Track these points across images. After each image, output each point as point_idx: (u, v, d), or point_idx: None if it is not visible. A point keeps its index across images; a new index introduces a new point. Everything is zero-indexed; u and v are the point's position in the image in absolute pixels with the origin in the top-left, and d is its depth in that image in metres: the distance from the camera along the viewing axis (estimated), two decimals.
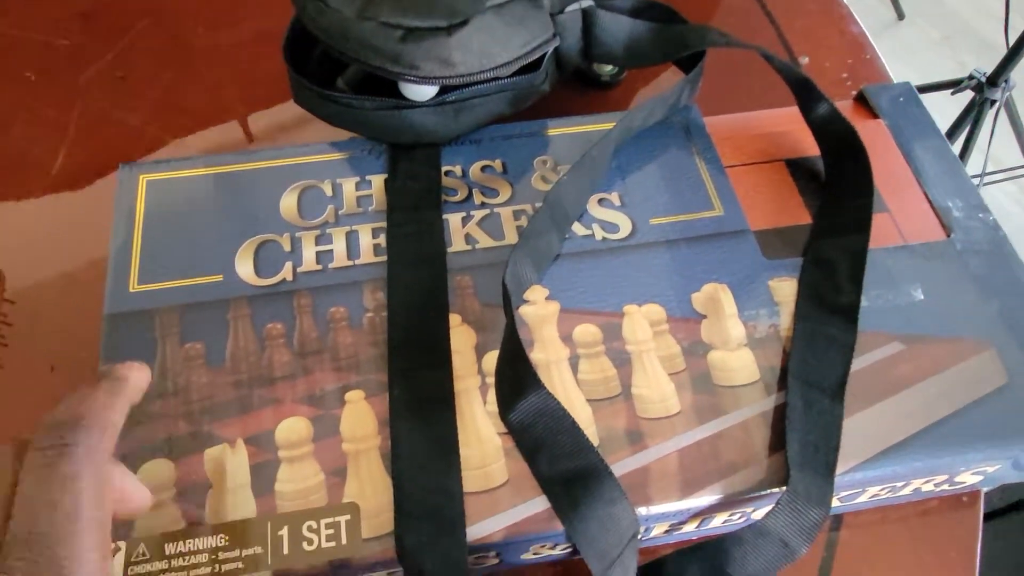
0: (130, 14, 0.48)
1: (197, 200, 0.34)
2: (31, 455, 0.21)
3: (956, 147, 1.14)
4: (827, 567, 0.31)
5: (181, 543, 0.25)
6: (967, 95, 1.09)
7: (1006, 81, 1.04)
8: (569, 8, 0.36)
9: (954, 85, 1.10)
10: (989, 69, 1.05)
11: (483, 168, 0.35)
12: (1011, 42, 1.00)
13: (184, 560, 0.25)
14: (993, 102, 1.05)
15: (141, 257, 0.32)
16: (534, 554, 0.29)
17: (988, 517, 0.33)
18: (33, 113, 0.43)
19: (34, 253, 0.38)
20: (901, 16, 1.69)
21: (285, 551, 0.25)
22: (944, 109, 1.22)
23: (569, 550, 0.29)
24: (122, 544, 0.25)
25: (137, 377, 0.23)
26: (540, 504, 0.27)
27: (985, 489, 0.33)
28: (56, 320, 0.36)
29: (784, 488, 0.27)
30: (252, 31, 0.48)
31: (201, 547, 0.25)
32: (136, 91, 0.44)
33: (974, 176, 1.24)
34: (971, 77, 1.06)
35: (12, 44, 0.46)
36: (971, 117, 1.09)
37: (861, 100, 0.39)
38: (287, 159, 0.35)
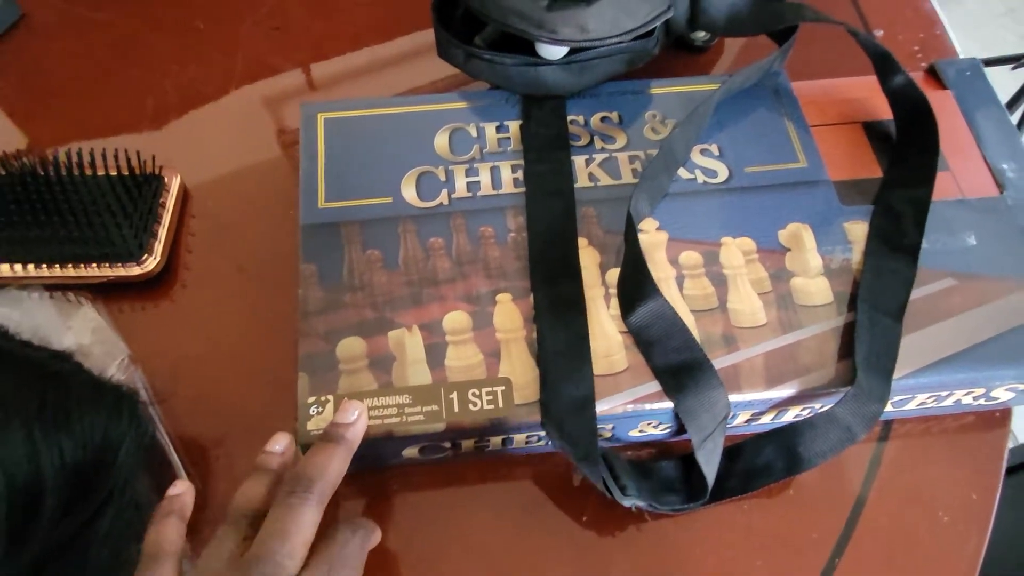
0: None
1: (366, 136, 0.40)
2: (281, 491, 0.29)
3: (1015, 117, 1.16)
4: (875, 465, 0.38)
5: (376, 399, 0.33)
6: None
7: None
8: None
9: (1014, 60, 1.13)
10: None
11: (602, 119, 0.42)
12: None
13: (379, 411, 0.33)
14: None
15: (326, 180, 0.39)
16: (640, 431, 0.36)
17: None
18: (204, 56, 0.50)
19: (215, 175, 0.46)
20: None
21: (455, 410, 0.33)
22: (1003, 83, 1.23)
23: (668, 430, 0.36)
24: (330, 397, 0.33)
25: (355, 441, 0.31)
26: (653, 387, 0.34)
27: (1015, 407, 0.39)
28: (238, 231, 0.44)
29: (850, 387, 0.34)
30: None
31: (391, 403, 0.33)
32: (290, 41, 0.51)
33: None
34: None
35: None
36: None
37: (931, 72, 0.44)
38: (437, 104, 0.42)
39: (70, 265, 0.40)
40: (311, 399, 0.33)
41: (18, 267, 0.39)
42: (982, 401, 0.38)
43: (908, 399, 0.36)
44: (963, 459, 0.38)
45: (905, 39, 0.52)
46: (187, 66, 0.50)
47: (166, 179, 0.43)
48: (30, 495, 0.30)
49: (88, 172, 0.41)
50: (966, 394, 0.36)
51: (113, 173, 0.42)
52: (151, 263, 0.41)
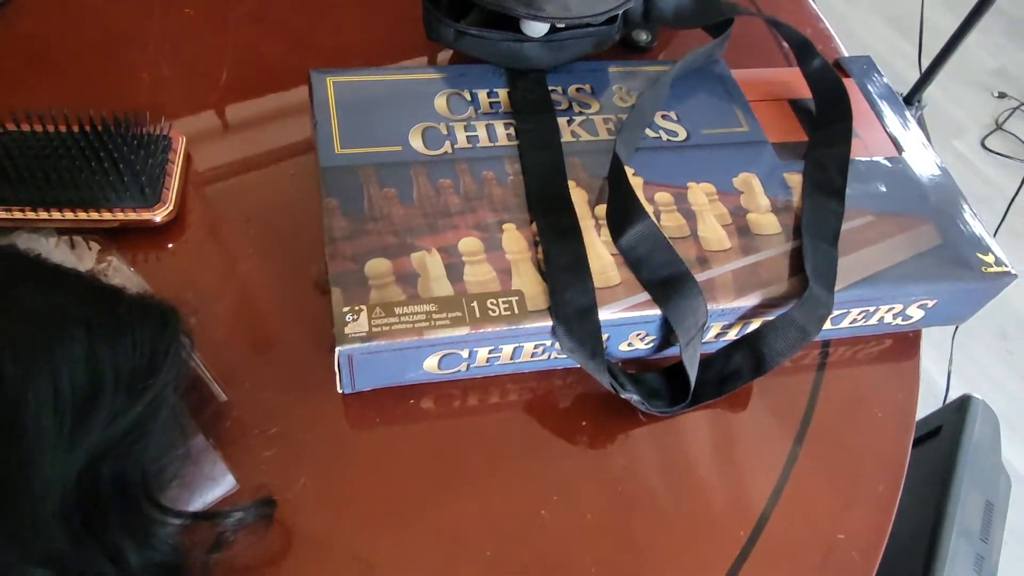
0: None
1: (373, 97, 0.45)
2: None
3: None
4: (821, 372, 0.45)
5: (406, 307, 0.37)
6: None
7: (919, 100, 1.24)
8: None
9: None
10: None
11: (577, 89, 0.48)
12: (923, 69, 1.20)
13: (409, 317, 0.36)
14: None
15: (340, 130, 0.43)
16: (628, 344, 0.41)
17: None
18: (196, 40, 0.53)
19: (215, 140, 0.48)
20: None
21: (477, 316, 0.37)
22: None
23: (652, 344, 0.42)
24: (363, 307, 0.36)
25: None
26: (643, 297, 0.39)
27: (924, 328, 0.47)
28: (240, 188, 0.47)
29: (803, 295, 0.40)
30: None
31: (419, 311, 0.37)
32: (275, 30, 0.55)
33: None
34: None
35: None
36: None
37: (836, 65, 0.54)
38: (432, 74, 0.47)
39: (91, 210, 0.41)
40: (345, 308, 0.36)
41: (41, 212, 0.41)
42: (899, 321, 0.45)
43: (843, 314, 0.43)
44: (888, 368, 0.45)
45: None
46: (180, 45, 0.53)
47: (173, 139, 0.46)
48: (89, 394, 0.31)
49: (100, 128, 0.43)
50: (888, 311, 0.44)
51: (125, 132, 0.44)
52: (165, 210, 0.43)
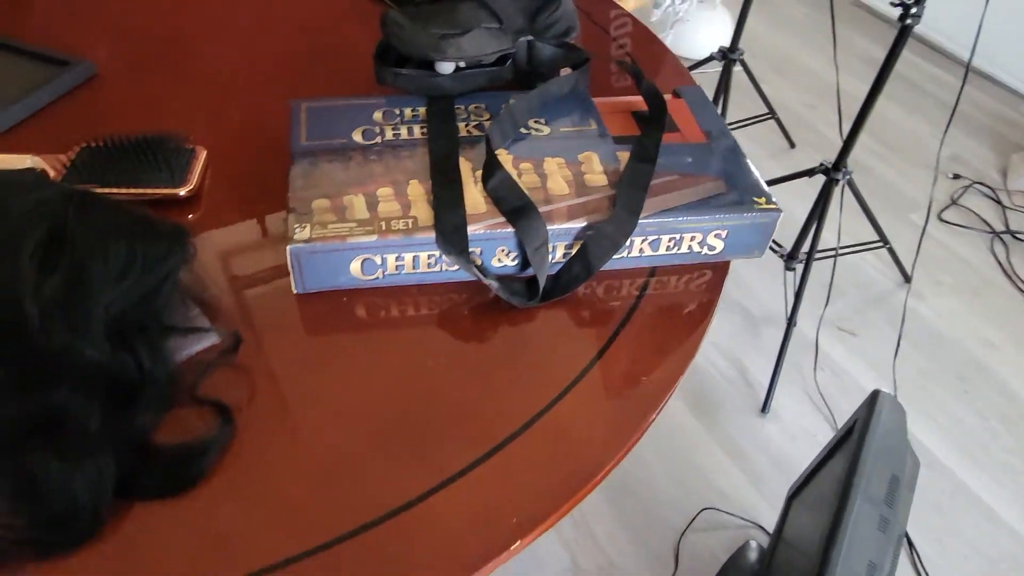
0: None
1: (330, 112, 0.66)
2: None
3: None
4: (645, 288, 0.61)
5: (336, 224, 0.56)
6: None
7: (845, 166, 1.43)
8: (520, 39, 0.71)
9: (810, 173, 1.50)
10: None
11: (475, 107, 0.69)
12: (844, 136, 1.40)
13: (337, 230, 0.55)
14: (837, 181, 1.43)
15: (306, 130, 0.64)
16: (499, 260, 0.59)
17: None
18: (217, 95, 0.76)
19: (226, 150, 0.70)
20: (792, 145, 2.14)
21: (383, 228, 0.56)
22: (806, 193, 1.62)
23: (517, 263, 0.59)
24: (308, 224, 0.55)
25: None
26: (501, 220, 0.57)
27: (730, 259, 0.64)
28: (241, 180, 0.67)
29: (612, 216, 0.58)
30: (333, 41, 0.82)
31: (345, 226, 0.56)
32: (271, 83, 0.78)
33: (830, 249, 1.61)
34: (820, 164, 1.46)
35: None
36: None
37: (675, 94, 0.74)
38: (372, 99, 0.68)
39: (145, 187, 0.62)
40: (295, 223, 0.55)
41: (121, 188, 0.62)
42: (706, 250, 0.62)
43: (657, 240, 0.61)
44: (695, 286, 0.62)
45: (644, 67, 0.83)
46: (206, 99, 0.76)
47: (196, 149, 0.67)
48: (127, 264, 0.50)
49: (152, 142, 0.65)
50: (691, 239, 0.61)
51: (167, 144, 0.65)
52: (186, 188, 0.64)
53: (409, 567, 0.44)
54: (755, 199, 0.62)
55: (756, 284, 1.79)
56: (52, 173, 0.62)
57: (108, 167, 0.63)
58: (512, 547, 0.46)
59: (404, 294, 0.59)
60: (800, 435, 1.51)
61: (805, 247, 1.54)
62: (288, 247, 0.55)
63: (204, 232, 0.63)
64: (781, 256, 1.61)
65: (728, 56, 1.84)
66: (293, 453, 0.49)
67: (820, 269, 1.71)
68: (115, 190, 0.62)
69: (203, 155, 0.67)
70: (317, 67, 0.81)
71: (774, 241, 1.65)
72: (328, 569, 0.44)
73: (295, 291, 0.58)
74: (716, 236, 0.62)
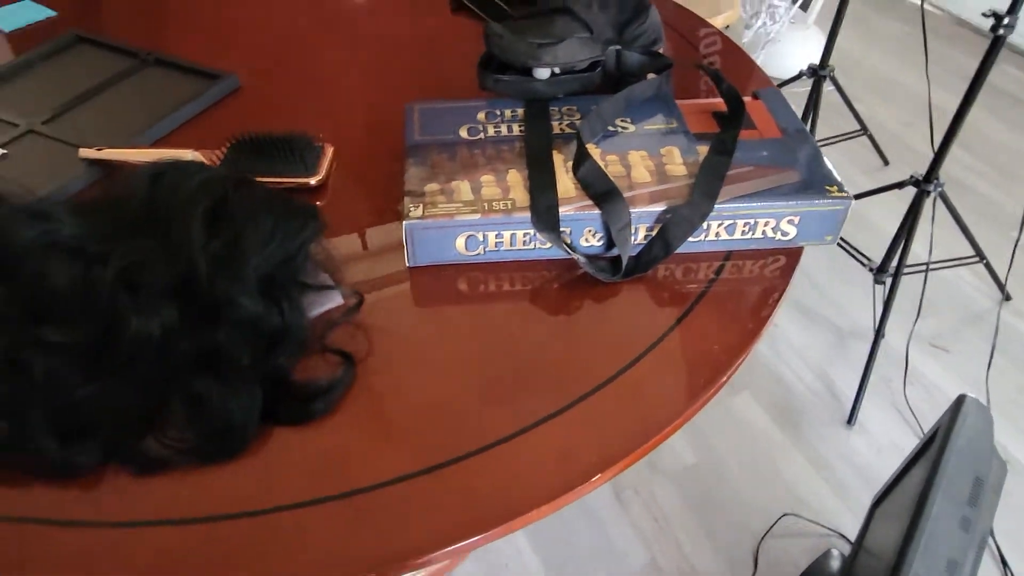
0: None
1: (440, 112, 0.75)
2: None
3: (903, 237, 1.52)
4: (721, 270, 0.67)
5: (445, 204, 0.64)
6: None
7: (937, 178, 1.42)
8: (609, 48, 0.79)
9: (900, 185, 1.50)
10: None
11: (567, 109, 0.76)
12: (936, 148, 1.40)
13: (446, 209, 0.64)
14: (928, 193, 1.43)
15: (418, 127, 0.73)
16: (586, 240, 0.66)
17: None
18: (345, 104, 0.87)
19: (348, 145, 0.80)
20: (886, 162, 2.12)
21: (486, 209, 0.64)
22: (898, 208, 1.62)
23: (602, 243, 0.66)
24: (421, 203, 0.64)
25: None
26: (588, 203, 0.64)
27: (802, 245, 0.68)
28: (361, 170, 0.77)
29: (690, 200, 0.64)
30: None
31: (452, 206, 0.64)
32: (390, 91, 0.88)
33: (922, 263, 1.60)
34: (911, 177, 1.46)
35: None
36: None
37: (755, 96, 0.79)
38: (476, 102, 0.77)
39: (285, 177, 0.73)
40: (410, 204, 0.64)
41: (266, 177, 0.72)
42: (779, 236, 0.67)
43: (732, 225, 0.66)
44: (769, 270, 0.67)
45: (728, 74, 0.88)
46: (333, 109, 0.86)
47: (324, 146, 0.78)
48: (270, 235, 0.60)
49: (289, 141, 0.75)
50: (765, 224, 0.66)
51: (301, 144, 0.76)
52: (317, 178, 0.74)
53: (505, 489, 0.51)
54: (827, 187, 0.66)
55: (845, 299, 1.78)
56: (208, 163, 0.73)
57: (253, 159, 0.74)
58: (593, 479, 0.52)
59: (501, 269, 0.67)
60: (887, 447, 1.50)
61: (895, 261, 1.53)
62: (404, 223, 0.63)
63: (331, 213, 0.72)
64: (870, 270, 1.60)
65: (817, 73, 1.85)
66: (404, 396, 0.57)
67: (912, 284, 1.69)
68: (260, 178, 0.73)
69: (330, 151, 0.78)
70: (426, 75, 0.91)
71: (863, 254, 1.64)
72: (437, 482, 0.51)
73: (408, 264, 0.66)
74: (789, 222, 0.67)
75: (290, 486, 0.51)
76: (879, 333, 1.50)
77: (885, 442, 1.50)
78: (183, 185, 0.60)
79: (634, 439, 0.54)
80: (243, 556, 0.48)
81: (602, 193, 0.65)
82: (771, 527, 1.37)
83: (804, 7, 2.37)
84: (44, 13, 1.03)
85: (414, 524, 0.49)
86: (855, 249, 1.65)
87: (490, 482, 0.52)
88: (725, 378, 0.59)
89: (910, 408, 1.55)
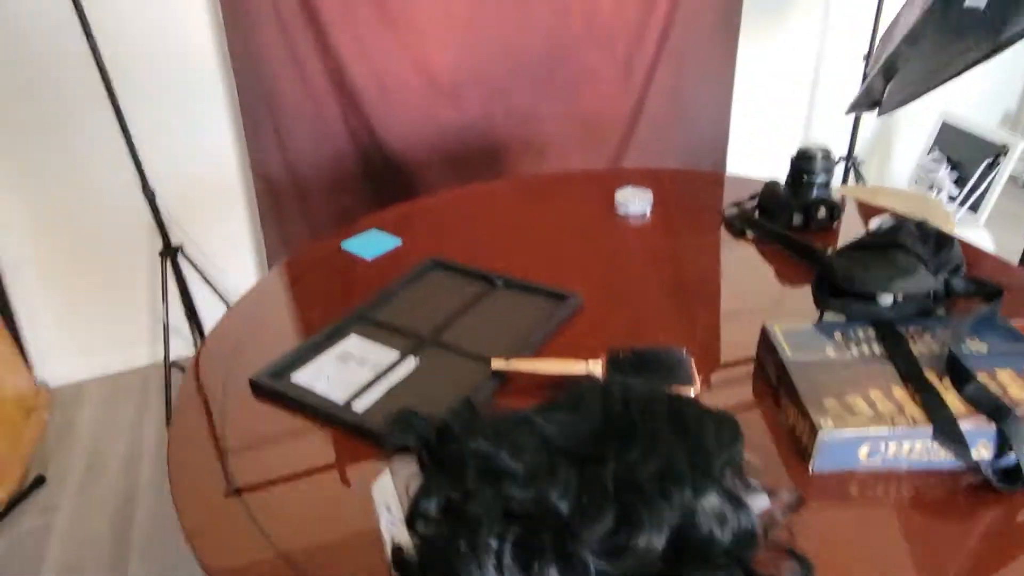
0: None
1: (801, 332, 0.87)
2: None
3: None
4: None
5: (851, 416, 0.73)
6: None
7: None
8: (940, 275, 0.90)
9: None
10: None
11: (911, 328, 0.86)
12: None
13: (855, 420, 0.73)
14: None
15: (790, 348, 0.84)
16: (977, 453, 0.73)
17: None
18: (603, 274, 1.01)
19: (700, 348, 0.91)
20: None
21: (891, 422, 0.72)
22: None
23: (991, 455, 0.73)
24: (829, 419, 0.73)
25: None
26: (982, 419, 0.72)
27: None
28: (720, 372, 0.88)
29: None
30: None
31: (861, 417, 0.73)
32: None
33: None
34: None
35: None
36: None
37: None
38: (829, 324, 0.88)
39: (672, 385, 0.85)
40: (820, 418, 0.74)
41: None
42: None
43: None
44: None
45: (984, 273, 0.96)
46: (588, 272, 1.00)
47: (691, 360, 0.90)
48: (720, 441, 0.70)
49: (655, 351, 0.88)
50: None
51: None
52: (695, 389, 0.85)
53: None
54: None
55: None
56: (596, 375, 0.86)
57: (634, 370, 0.86)
58: None
59: (892, 476, 0.74)
60: None
61: None
62: (819, 435, 0.73)
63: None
64: None
65: None
66: None
67: None
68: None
69: (692, 360, 0.90)
70: (720, 293, 1.05)
71: None
72: None
73: (811, 471, 0.75)
74: None
75: None
76: None
77: None
78: (646, 399, 0.72)
79: None
80: None
81: (994, 409, 0.73)
82: None
83: (975, 208, 2.48)
84: (393, 242, 1.25)
85: None
86: None
87: None
88: None
89: None
